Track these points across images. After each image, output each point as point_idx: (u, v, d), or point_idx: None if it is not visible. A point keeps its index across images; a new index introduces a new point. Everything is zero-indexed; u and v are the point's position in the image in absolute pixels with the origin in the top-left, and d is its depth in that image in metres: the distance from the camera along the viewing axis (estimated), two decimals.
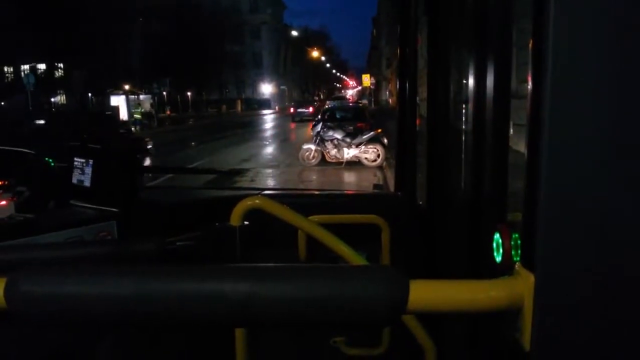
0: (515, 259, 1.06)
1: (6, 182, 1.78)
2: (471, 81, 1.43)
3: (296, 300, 0.59)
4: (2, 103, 25.48)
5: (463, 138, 1.89)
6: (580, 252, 0.55)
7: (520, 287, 0.57)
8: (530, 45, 0.58)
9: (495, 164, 1.28)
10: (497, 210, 1.24)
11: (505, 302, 0.58)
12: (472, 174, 1.43)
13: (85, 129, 12.17)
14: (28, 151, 2.16)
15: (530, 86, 0.58)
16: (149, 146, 13.68)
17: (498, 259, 1.07)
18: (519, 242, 1.00)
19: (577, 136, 0.54)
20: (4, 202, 1.60)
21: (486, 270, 1.24)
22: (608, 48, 0.53)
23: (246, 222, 1.38)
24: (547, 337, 0.56)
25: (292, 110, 35.90)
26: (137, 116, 28.10)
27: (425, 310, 0.60)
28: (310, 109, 32.61)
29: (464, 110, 1.95)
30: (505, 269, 0.63)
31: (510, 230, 0.99)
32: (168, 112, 35.48)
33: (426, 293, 0.60)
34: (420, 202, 2.22)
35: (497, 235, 1.06)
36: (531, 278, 0.56)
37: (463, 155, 1.85)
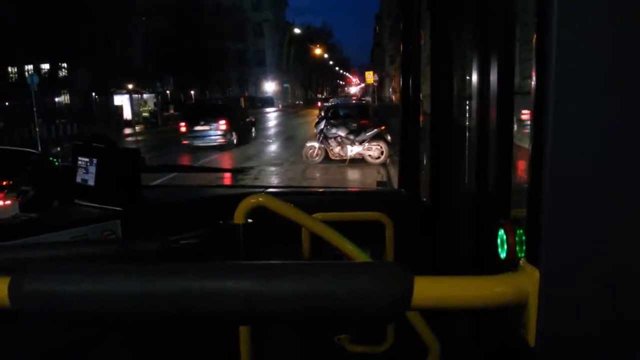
0: (519, 254, 1.06)
1: (10, 182, 1.79)
2: (474, 77, 1.42)
3: (301, 297, 0.59)
4: (7, 103, 25.58)
5: (466, 134, 1.88)
6: (584, 248, 0.55)
7: (525, 282, 0.57)
8: (533, 40, 0.58)
9: (498, 160, 1.27)
10: (501, 206, 1.24)
11: (510, 298, 0.58)
12: (475, 170, 1.42)
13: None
14: (32, 151, 2.17)
15: (534, 82, 0.57)
16: None
17: (502, 255, 1.07)
18: (523, 238, 1.00)
19: (581, 132, 0.54)
20: (8, 202, 1.60)
21: (490, 266, 1.24)
22: (612, 43, 0.53)
23: (250, 220, 1.38)
24: (552, 332, 0.56)
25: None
26: (145, 114, 28.64)
27: (430, 306, 0.60)
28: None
29: (467, 107, 1.95)
30: (509, 265, 0.63)
31: (514, 227, 0.99)
32: (172, 111, 35.61)
33: (430, 289, 0.59)
34: (424, 199, 2.22)
35: (501, 232, 1.06)
36: (536, 273, 0.56)
37: (467, 152, 1.85)
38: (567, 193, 0.54)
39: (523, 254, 1.09)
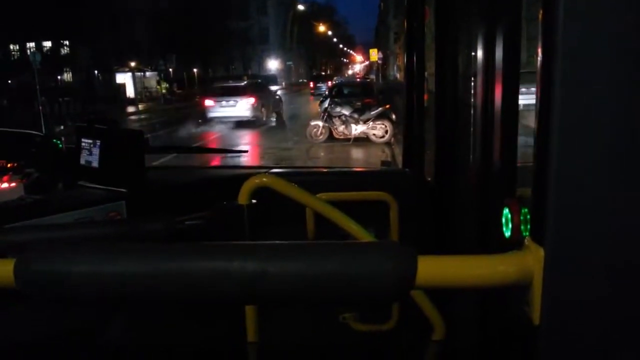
0: (524, 234, 1.06)
1: (15, 164, 1.79)
2: (480, 55, 1.40)
3: (305, 276, 0.59)
4: (10, 82, 25.51)
5: (472, 113, 1.87)
6: (590, 226, 0.55)
7: (529, 261, 0.57)
8: (540, 17, 0.56)
9: (504, 138, 1.27)
10: (506, 185, 1.24)
11: (515, 277, 0.58)
12: (480, 149, 1.41)
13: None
14: (36, 133, 2.17)
15: (540, 60, 0.56)
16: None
17: (507, 234, 1.07)
18: (528, 217, 1.00)
19: (589, 110, 0.53)
20: (13, 184, 1.61)
21: (495, 246, 1.24)
22: (621, 20, 0.52)
23: (254, 201, 1.39)
24: (556, 310, 0.56)
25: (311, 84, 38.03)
26: (163, 91, 29.62)
27: (434, 285, 0.61)
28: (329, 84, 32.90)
29: (472, 85, 1.93)
30: (514, 244, 0.63)
31: (519, 205, 0.99)
32: (175, 89, 35.60)
33: (435, 268, 0.60)
34: (428, 179, 2.21)
35: (506, 211, 1.06)
36: (541, 252, 0.56)
37: (471, 131, 1.83)
38: (573, 171, 0.54)
39: (528, 233, 1.09)
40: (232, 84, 20.76)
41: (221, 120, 17.51)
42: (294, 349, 1.64)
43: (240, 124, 17.29)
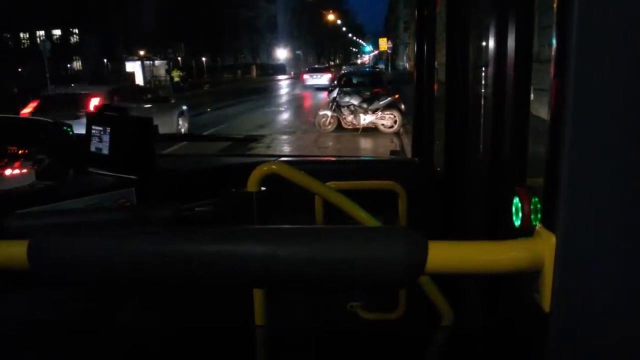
0: (534, 223, 1.06)
1: (26, 151, 1.81)
2: (492, 44, 1.39)
3: (316, 261, 0.59)
4: (20, 70, 25.63)
5: (482, 102, 1.85)
6: (603, 213, 0.54)
7: (540, 247, 0.57)
8: (554, 6, 0.56)
9: (515, 128, 1.26)
10: (517, 174, 1.23)
11: (526, 263, 0.57)
12: (491, 138, 1.41)
13: None
14: (47, 120, 2.18)
15: (554, 48, 0.56)
16: None
17: (517, 223, 1.07)
18: (538, 206, 0.99)
19: (602, 96, 0.52)
20: (24, 170, 1.62)
21: (505, 235, 1.24)
22: (637, 7, 0.51)
23: (263, 188, 1.39)
24: (567, 298, 0.56)
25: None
26: (177, 79, 30.64)
27: (444, 271, 0.60)
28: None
29: (483, 74, 1.91)
30: (524, 234, 0.62)
31: (529, 194, 0.99)
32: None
33: (445, 253, 0.59)
34: (438, 169, 2.21)
35: (516, 200, 1.05)
36: (552, 239, 0.55)
37: (482, 120, 1.82)
38: (587, 157, 0.53)
39: (538, 222, 1.09)
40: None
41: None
42: (302, 334, 1.65)
43: None
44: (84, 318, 1.59)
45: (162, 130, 2.26)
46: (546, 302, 0.56)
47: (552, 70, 0.56)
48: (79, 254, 0.63)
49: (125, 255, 0.62)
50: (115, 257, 0.62)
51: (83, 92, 11.30)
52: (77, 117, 7.04)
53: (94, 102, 10.26)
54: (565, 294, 0.55)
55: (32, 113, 10.18)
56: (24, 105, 11.53)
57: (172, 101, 13.47)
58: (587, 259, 0.55)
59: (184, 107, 13.39)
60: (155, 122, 1.94)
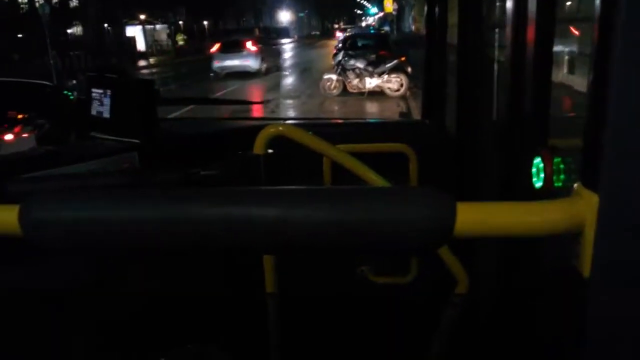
0: (556, 184, 1.01)
1: (26, 115, 1.76)
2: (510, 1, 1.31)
3: (332, 224, 0.54)
4: (20, 35, 25.31)
5: (495, 63, 1.78)
6: None
7: (581, 208, 0.52)
8: None
9: (536, 88, 1.19)
10: (539, 135, 1.17)
11: (564, 225, 0.52)
12: (509, 97, 1.34)
13: None
14: (46, 83, 2.13)
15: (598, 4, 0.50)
16: None
17: (538, 184, 1.02)
18: (561, 166, 0.94)
19: None
20: (25, 135, 1.58)
21: (522, 197, 1.19)
22: None
23: (270, 151, 1.35)
24: (609, 262, 0.51)
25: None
26: (181, 42, 31.30)
27: (474, 234, 0.55)
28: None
29: (496, 35, 1.83)
30: (544, 196, 0.57)
31: (552, 155, 0.93)
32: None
33: (475, 215, 0.54)
34: (449, 129, 2.15)
35: (537, 160, 1.00)
36: (594, 198, 0.50)
37: (496, 81, 1.75)
38: (634, 108, 0.48)
39: (560, 184, 1.04)
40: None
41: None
42: (313, 301, 1.63)
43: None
44: (87, 285, 1.57)
45: None
46: (586, 267, 0.52)
47: (595, 22, 0.50)
48: (74, 216, 0.57)
49: (124, 219, 0.56)
50: (114, 220, 0.56)
51: (241, 38, 19.52)
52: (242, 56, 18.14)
53: (249, 45, 18.73)
54: (607, 258, 0.51)
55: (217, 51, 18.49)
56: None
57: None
58: (633, 221, 0.50)
59: None
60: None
